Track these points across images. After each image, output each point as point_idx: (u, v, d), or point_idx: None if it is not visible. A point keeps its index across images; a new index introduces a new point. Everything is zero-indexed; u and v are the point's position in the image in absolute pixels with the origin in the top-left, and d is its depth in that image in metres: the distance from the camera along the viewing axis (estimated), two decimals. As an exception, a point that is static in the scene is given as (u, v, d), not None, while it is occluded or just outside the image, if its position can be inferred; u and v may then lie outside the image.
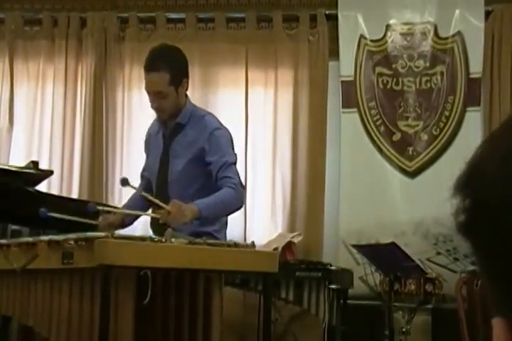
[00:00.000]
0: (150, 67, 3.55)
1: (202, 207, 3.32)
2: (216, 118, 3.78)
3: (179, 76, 3.57)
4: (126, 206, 3.85)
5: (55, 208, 3.53)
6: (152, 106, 3.63)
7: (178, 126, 3.65)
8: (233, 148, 3.64)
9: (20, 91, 5.81)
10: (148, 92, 3.61)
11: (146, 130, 3.96)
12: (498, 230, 0.60)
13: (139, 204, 3.70)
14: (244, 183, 5.40)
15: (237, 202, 3.50)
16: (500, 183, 0.60)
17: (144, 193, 3.48)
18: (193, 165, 3.59)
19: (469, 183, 0.64)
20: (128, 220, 3.70)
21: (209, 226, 3.60)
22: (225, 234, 3.74)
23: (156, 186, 3.71)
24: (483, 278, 0.64)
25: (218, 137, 3.58)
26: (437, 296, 4.38)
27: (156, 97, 3.56)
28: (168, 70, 3.51)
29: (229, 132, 3.68)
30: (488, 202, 0.61)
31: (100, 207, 3.58)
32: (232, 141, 3.67)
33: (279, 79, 5.65)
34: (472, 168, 0.64)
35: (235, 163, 3.55)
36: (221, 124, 3.70)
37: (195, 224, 3.47)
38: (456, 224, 0.64)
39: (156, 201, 3.35)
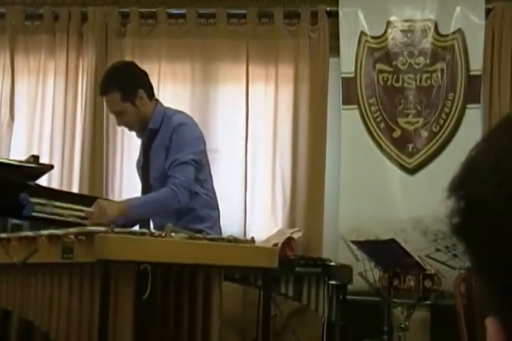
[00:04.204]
0: (100, 92, 3.75)
1: (131, 204, 3.47)
2: (185, 115, 3.83)
3: (130, 90, 3.67)
4: None
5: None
6: (118, 125, 3.85)
7: (152, 131, 3.73)
8: (195, 146, 3.64)
9: (21, 85, 5.81)
10: (112, 113, 3.83)
11: None
12: (492, 231, 0.60)
13: None
14: (244, 179, 5.50)
15: (173, 201, 3.50)
16: (493, 184, 0.60)
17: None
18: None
19: (463, 185, 0.64)
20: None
21: (200, 223, 3.66)
22: (220, 230, 3.79)
23: (141, 193, 3.78)
24: (478, 279, 0.64)
25: (179, 134, 3.61)
26: (436, 292, 4.38)
27: (118, 116, 3.73)
28: (117, 89, 3.64)
29: (195, 129, 3.72)
30: (483, 203, 0.61)
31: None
32: (198, 138, 3.69)
33: (279, 75, 5.65)
34: (466, 170, 0.64)
35: (186, 163, 3.55)
36: (188, 121, 3.74)
37: (184, 222, 3.56)
38: (450, 225, 0.64)
39: (84, 208, 3.49)
